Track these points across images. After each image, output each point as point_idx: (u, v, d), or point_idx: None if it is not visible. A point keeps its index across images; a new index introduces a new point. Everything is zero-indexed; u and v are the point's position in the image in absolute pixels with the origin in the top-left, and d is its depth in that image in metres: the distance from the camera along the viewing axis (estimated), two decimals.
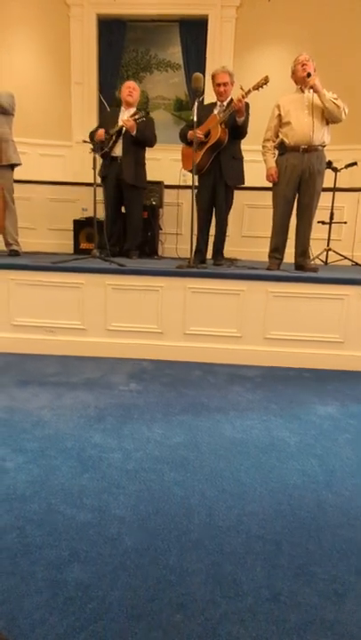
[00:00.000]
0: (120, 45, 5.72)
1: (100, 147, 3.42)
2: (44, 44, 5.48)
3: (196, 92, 2.91)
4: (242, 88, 3.04)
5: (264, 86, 2.98)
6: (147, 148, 3.72)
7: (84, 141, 3.50)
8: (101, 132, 3.52)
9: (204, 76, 3.03)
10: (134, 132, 3.47)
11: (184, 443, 1.76)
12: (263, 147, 3.18)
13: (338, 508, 1.39)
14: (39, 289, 2.85)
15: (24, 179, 4.22)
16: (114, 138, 3.47)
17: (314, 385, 2.50)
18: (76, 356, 2.84)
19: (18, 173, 3.67)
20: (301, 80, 2.93)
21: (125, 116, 3.53)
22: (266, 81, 2.96)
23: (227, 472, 1.57)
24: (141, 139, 3.55)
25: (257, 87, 3.00)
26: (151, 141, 3.63)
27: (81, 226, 4.23)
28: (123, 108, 3.67)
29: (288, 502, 1.41)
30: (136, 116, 3.45)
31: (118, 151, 3.55)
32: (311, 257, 3.39)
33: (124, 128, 3.47)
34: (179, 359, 2.81)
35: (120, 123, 3.50)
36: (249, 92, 3.02)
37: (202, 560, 1.15)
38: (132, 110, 3.61)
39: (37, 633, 0.92)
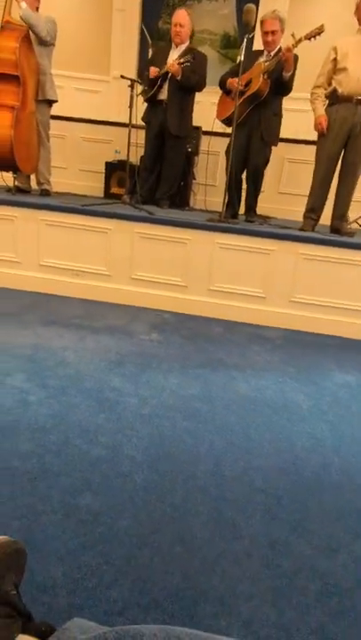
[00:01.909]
0: None
1: (150, 85, 3.20)
2: None
3: (247, 26, 2.66)
4: (293, 36, 2.75)
5: (317, 37, 2.67)
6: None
7: (122, 77, 3.29)
8: (154, 69, 3.24)
9: (257, 7, 2.76)
10: (179, 77, 3.19)
11: (198, 395, 1.81)
12: (312, 94, 2.93)
13: (342, 472, 1.43)
14: (67, 231, 2.86)
15: (58, 114, 4.09)
16: (159, 82, 3.24)
17: (335, 352, 2.49)
18: (99, 301, 2.89)
19: (52, 109, 3.55)
20: None
21: (174, 57, 3.24)
22: (321, 30, 2.65)
23: (237, 427, 1.62)
24: (187, 84, 3.25)
25: (309, 37, 2.70)
26: (200, 85, 3.32)
27: (113, 169, 4.12)
28: (173, 46, 3.36)
29: (294, 462, 1.46)
30: (181, 60, 3.13)
31: (164, 95, 3.30)
32: (349, 220, 3.23)
33: (169, 72, 3.21)
34: (201, 314, 2.83)
35: (167, 65, 3.23)
36: (300, 40, 2.72)
37: (205, 503, 1.22)
38: (182, 49, 3.31)
39: (51, 546, 1.02)
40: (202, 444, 1.49)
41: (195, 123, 4.04)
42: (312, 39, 2.72)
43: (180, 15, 3.25)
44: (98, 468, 1.31)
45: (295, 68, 2.94)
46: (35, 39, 3.10)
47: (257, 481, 1.34)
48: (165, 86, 3.28)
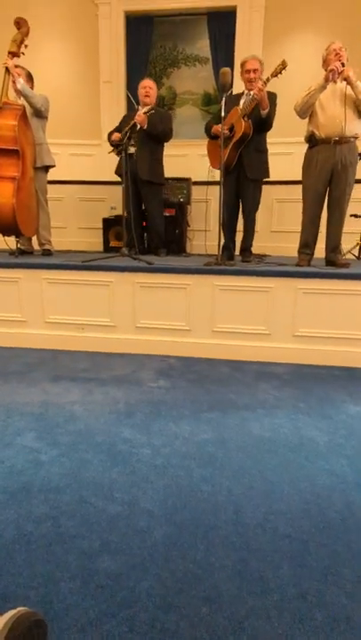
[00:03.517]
0: (148, 42, 5.73)
1: (116, 146, 3.46)
2: (73, 44, 5.57)
3: (224, 86, 2.88)
4: (260, 77, 2.99)
5: (283, 72, 2.90)
6: (165, 145, 3.70)
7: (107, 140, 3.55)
8: (116, 134, 3.54)
9: (232, 69, 3.00)
10: (145, 126, 3.48)
11: (211, 440, 1.78)
12: (296, 104, 2.99)
13: None
14: (70, 287, 2.94)
15: (55, 179, 4.34)
16: (128, 134, 3.49)
17: (345, 383, 2.46)
18: (105, 352, 2.91)
19: (49, 174, 3.77)
20: (334, 77, 2.82)
21: (141, 112, 3.55)
22: (283, 66, 2.89)
23: (254, 470, 1.58)
24: (154, 132, 3.53)
25: (275, 74, 2.94)
26: (166, 135, 3.61)
27: (110, 224, 4.30)
28: (140, 107, 3.69)
29: (316, 502, 1.41)
30: (145, 109, 3.47)
31: (133, 149, 3.54)
32: (343, 252, 3.31)
33: (137, 124, 3.48)
34: (207, 356, 2.83)
35: (135, 118, 3.52)
36: (268, 80, 2.96)
37: (228, 556, 1.17)
38: (148, 107, 3.62)
39: (71, 616, 0.97)
40: (220, 492, 1.45)
41: (185, 174, 4.26)
42: (278, 75, 2.96)
43: (147, 81, 3.74)
44: (115, 527, 1.27)
45: (275, 105, 3.13)
46: (30, 112, 3.36)
47: (280, 526, 1.29)
48: (133, 140, 3.50)
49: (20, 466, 1.57)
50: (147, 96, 3.65)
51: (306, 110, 2.97)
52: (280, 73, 2.93)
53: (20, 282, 2.98)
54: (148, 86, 3.68)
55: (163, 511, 1.34)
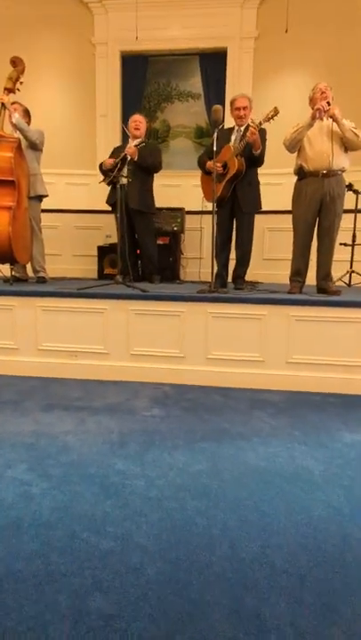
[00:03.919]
0: (142, 79, 5.98)
1: (107, 175, 3.57)
2: (71, 80, 5.79)
3: (215, 122, 3.01)
4: (253, 121, 3.13)
5: (275, 117, 3.06)
6: (160, 175, 3.82)
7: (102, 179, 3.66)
8: (109, 160, 3.66)
9: (223, 106, 3.14)
10: (136, 158, 3.62)
11: (206, 470, 1.76)
12: (285, 140, 3.10)
13: None
14: (64, 314, 2.94)
15: (52, 208, 4.42)
16: (118, 165, 3.60)
17: (340, 411, 2.46)
18: (99, 380, 2.89)
19: (46, 203, 3.85)
20: (321, 116, 2.95)
21: (131, 145, 3.70)
22: (275, 112, 3.05)
23: (249, 502, 1.55)
24: (144, 164, 3.68)
25: (267, 119, 3.10)
26: (155, 167, 3.77)
27: (105, 252, 4.36)
28: (130, 140, 3.84)
29: (313, 535, 1.38)
30: (135, 142, 3.62)
31: (125, 181, 3.63)
32: (334, 279, 3.38)
33: (128, 156, 3.61)
34: (201, 384, 2.82)
35: (125, 150, 3.66)
36: (260, 124, 3.12)
37: (224, 593, 1.14)
38: (139, 140, 3.79)
39: None
40: (215, 525, 1.42)
41: (179, 204, 4.37)
42: (271, 120, 3.10)
43: (137, 116, 3.91)
44: (107, 563, 1.23)
45: (265, 141, 3.28)
46: (26, 145, 3.48)
47: (277, 561, 1.26)
48: (125, 171, 3.61)
49: (11, 500, 1.53)
50: (137, 129, 3.81)
51: (294, 145, 3.10)
52: (272, 119, 3.09)
53: (14, 309, 2.98)
54: (137, 120, 3.84)
55: (157, 546, 1.31)
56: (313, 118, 2.96)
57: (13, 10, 5.40)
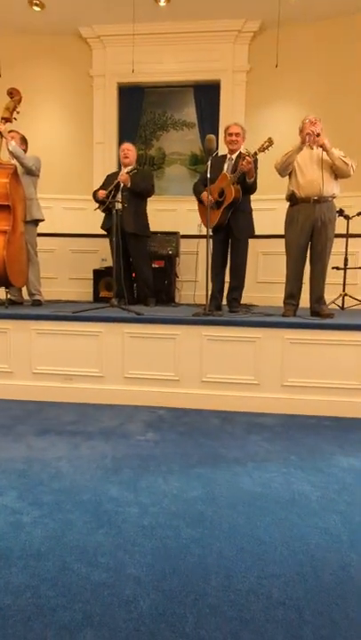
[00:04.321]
0: (138, 108, 6.17)
1: (102, 203, 3.65)
2: (69, 110, 5.97)
3: (209, 151, 3.10)
4: (247, 151, 3.23)
5: (269, 148, 3.16)
6: (156, 200, 3.95)
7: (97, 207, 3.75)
8: (102, 192, 3.75)
9: (216, 135, 3.25)
10: (129, 185, 3.72)
11: (201, 497, 1.73)
12: (276, 163, 3.21)
13: None
14: (59, 337, 2.94)
15: (48, 232, 4.48)
16: (112, 192, 3.68)
17: (336, 434, 2.44)
18: (93, 403, 2.86)
19: (42, 227, 3.90)
20: (310, 141, 3.05)
21: (124, 172, 3.81)
22: (270, 143, 3.16)
23: (245, 529, 1.52)
24: (137, 190, 3.79)
25: (262, 150, 3.21)
26: (148, 191, 3.88)
27: (100, 275, 4.40)
28: (123, 167, 3.96)
29: (310, 564, 1.35)
30: (128, 169, 3.75)
31: (119, 205, 3.71)
32: (327, 302, 3.41)
33: (121, 183, 3.71)
34: (196, 407, 2.80)
35: (119, 178, 3.76)
36: (255, 154, 3.23)
37: (220, 628, 1.10)
38: (130, 167, 3.90)
39: None
40: (210, 554, 1.38)
41: (174, 228, 4.44)
42: (265, 151, 3.20)
43: (126, 144, 4.04)
44: (99, 596, 1.19)
45: (256, 168, 3.39)
46: (22, 171, 3.56)
47: (274, 592, 1.23)
48: (119, 197, 3.69)
49: (0, 529, 1.48)
50: (126, 157, 3.94)
51: (285, 169, 3.19)
52: (267, 149, 3.19)
53: (8, 332, 2.98)
54: (126, 149, 3.98)
55: (150, 577, 1.27)
56: (302, 143, 3.07)
57: (15, 43, 5.62)
